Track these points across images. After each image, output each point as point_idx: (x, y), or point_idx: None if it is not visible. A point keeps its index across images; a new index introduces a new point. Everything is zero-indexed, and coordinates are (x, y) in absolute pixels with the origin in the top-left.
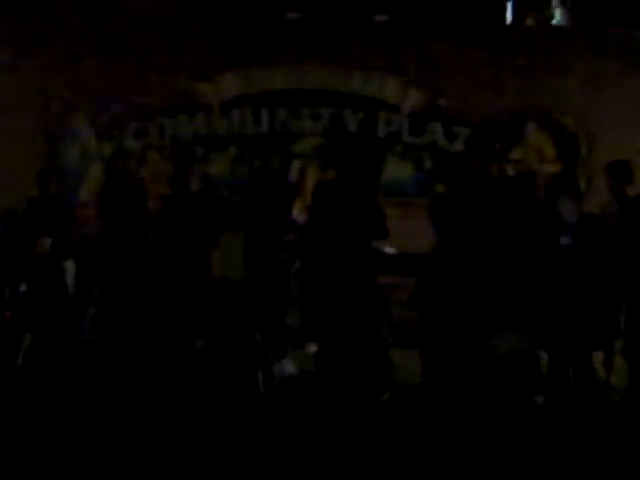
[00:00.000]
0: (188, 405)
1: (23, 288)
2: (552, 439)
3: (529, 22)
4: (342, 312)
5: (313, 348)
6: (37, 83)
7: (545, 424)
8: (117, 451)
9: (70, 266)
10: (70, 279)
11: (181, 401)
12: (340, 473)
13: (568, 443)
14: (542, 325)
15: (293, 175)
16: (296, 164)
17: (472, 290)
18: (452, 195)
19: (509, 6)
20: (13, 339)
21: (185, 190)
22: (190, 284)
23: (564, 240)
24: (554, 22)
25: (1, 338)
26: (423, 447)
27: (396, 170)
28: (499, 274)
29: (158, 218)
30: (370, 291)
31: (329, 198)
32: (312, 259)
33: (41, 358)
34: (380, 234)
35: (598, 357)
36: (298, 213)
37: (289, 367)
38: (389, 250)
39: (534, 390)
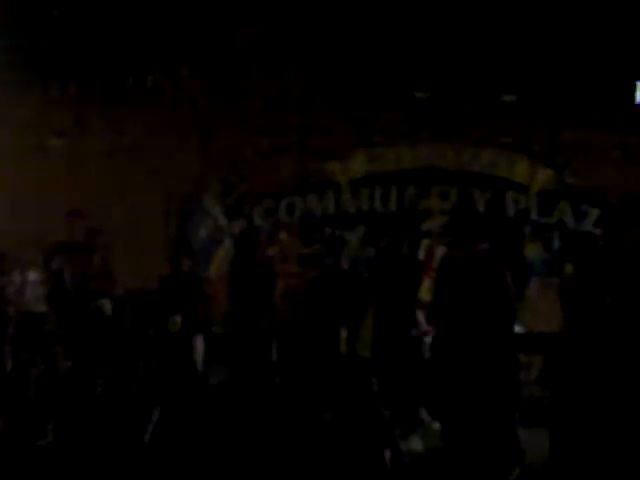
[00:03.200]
0: (316, 477)
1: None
2: None
3: None
4: (472, 390)
5: (436, 425)
6: (166, 162)
7: None
8: None
9: (199, 343)
10: (199, 355)
11: (309, 472)
12: None
13: None
14: None
15: (421, 254)
16: (424, 243)
17: (604, 370)
18: (581, 276)
19: (639, 86)
20: (142, 414)
21: (336, 267)
22: (321, 360)
23: None
24: None
25: (130, 413)
26: None
27: (525, 249)
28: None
29: (305, 294)
30: (501, 370)
31: (456, 275)
32: (441, 337)
33: (170, 433)
34: (509, 318)
35: None
36: (426, 292)
37: (416, 444)
38: (517, 329)
39: None
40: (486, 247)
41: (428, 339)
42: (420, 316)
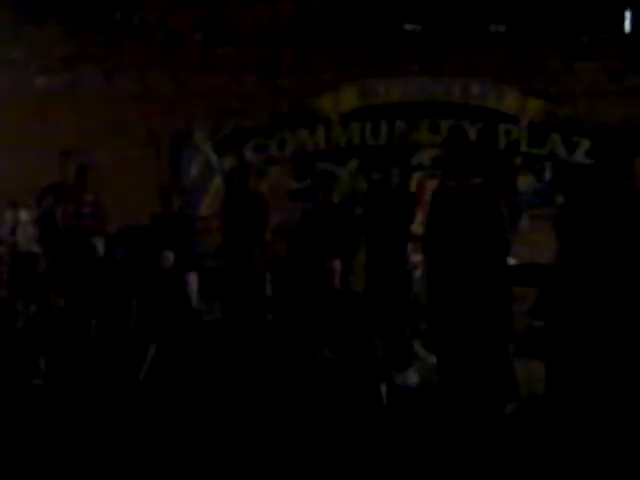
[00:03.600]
0: (311, 413)
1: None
2: None
3: None
4: (466, 322)
5: (431, 358)
6: (159, 100)
7: None
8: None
9: (193, 279)
10: (193, 292)
11: (304, 408)
12: None
13: None
14: None
15: (413, 187)
16: (416, 176)
17: (597, 300)
18: (573, 205)
19: (628, 15)
20: (138, 351)
21: (327, 202)
22: (314, 295)
23: None
24: None
25: (126, 350)
26: (548, 459)
27: (517, 181)
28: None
29: (297, 229)
30: (495, 302)
31: (449, 206)
32: (434, 268)
33: (166, 370)
34: (503, 249)
35: None
36: (418, 225)
37: (412, 378)
38: (510, 261)
39: None
40: (479, 180)
41: (417, 273)
42: (410, 249)
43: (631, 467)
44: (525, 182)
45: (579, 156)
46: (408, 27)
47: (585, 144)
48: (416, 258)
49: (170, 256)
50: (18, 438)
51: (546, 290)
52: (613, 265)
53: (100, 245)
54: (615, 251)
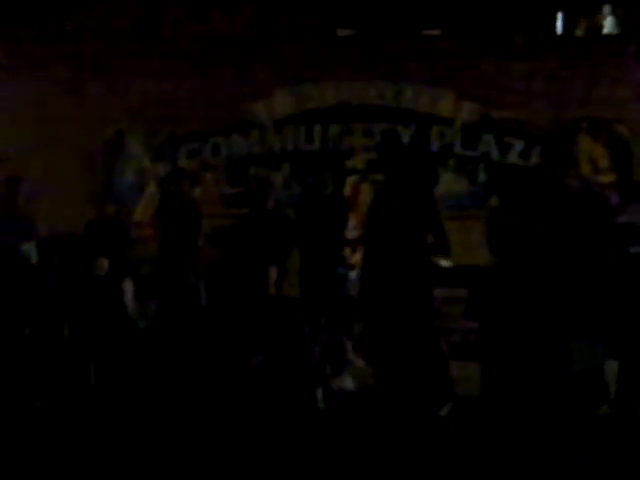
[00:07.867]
0: (247, 421)
1: None
2: (617, 451)
3: (579, 32)
4: (400, 325)
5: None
6: (92, 105)
7: (610, 436)
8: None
9: (128, 286)
10: (129, 299)
11: (240, 417)
12: None
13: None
14: (615, 336)
15: (347, 191)
16: (350, 180)
17: (531, 302)
18: (508, 207)
19: (560, 16)
20: (75, 359)
21: (262, 208)
22: (248, 301)
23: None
24: (605, 31)
25: (61, 360)
26: (483, 461)
27: (450, 183)
28: (564, 284)
29: (231, 235)
30: (427, 304)
31: (386, 209)
32: (368, 271)
33: (104, 378)
34: (444, 251)
35: None
36: (352, 229)
37: (348, 382)
38: (444, 263)
39: (599, 402)
40: (413, 182)
41: (353, 274)
42: (348, 253)
43: (563, 467)
44: (459, 184)
45: (512, 157)
46: (341, 33)
47: (518, 145)
48: (353, 259)
49: (105, 263)
50: None
51: (478, 291)
52: (553, 266)
53: (33, 252)
54: (555, 252)
